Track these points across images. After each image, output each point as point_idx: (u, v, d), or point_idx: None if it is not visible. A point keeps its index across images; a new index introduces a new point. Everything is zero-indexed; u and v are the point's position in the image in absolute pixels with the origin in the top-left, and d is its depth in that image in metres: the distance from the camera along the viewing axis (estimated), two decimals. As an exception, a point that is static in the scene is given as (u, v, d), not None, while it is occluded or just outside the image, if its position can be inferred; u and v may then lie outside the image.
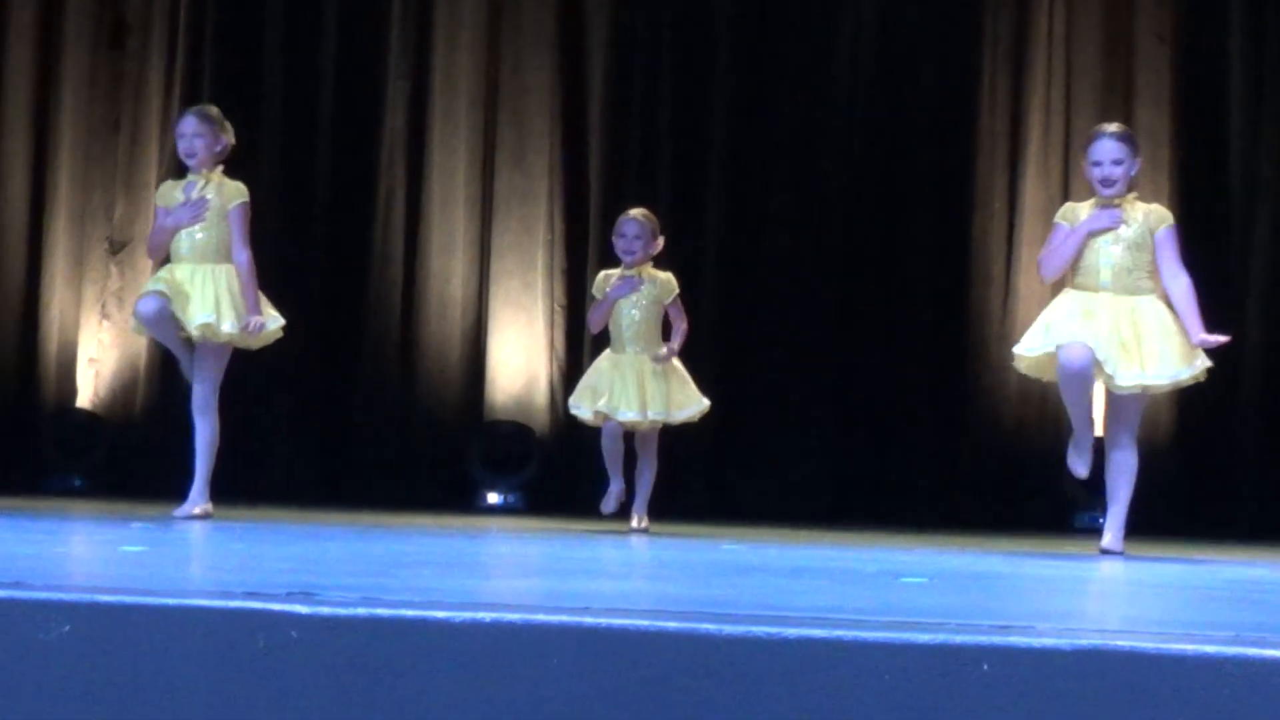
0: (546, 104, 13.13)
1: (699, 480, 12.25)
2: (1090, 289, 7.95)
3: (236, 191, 8.79)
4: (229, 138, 8.88)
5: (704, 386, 9.80)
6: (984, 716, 2.75)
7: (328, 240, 13.21)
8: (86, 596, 2.99)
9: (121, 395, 13.12)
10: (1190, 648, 2.79)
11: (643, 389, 9.40)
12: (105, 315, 13.34)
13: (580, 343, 11.79)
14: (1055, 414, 10.72)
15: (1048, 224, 9.15)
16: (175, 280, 8.56)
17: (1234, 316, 12.12)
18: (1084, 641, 2.81)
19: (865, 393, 12.54)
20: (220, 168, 8.85)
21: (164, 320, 8.47)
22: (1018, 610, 4.01)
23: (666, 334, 9.61)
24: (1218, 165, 12.45)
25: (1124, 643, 2.81)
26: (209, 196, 8.68)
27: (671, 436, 9.84)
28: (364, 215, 13.12)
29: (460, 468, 12.62)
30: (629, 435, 9.62)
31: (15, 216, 13.05)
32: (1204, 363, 7.97)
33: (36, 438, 12.67)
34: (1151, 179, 12.35)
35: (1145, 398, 8.16)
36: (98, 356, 13.35)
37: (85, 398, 13.21)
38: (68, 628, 2.94)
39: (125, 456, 12.38)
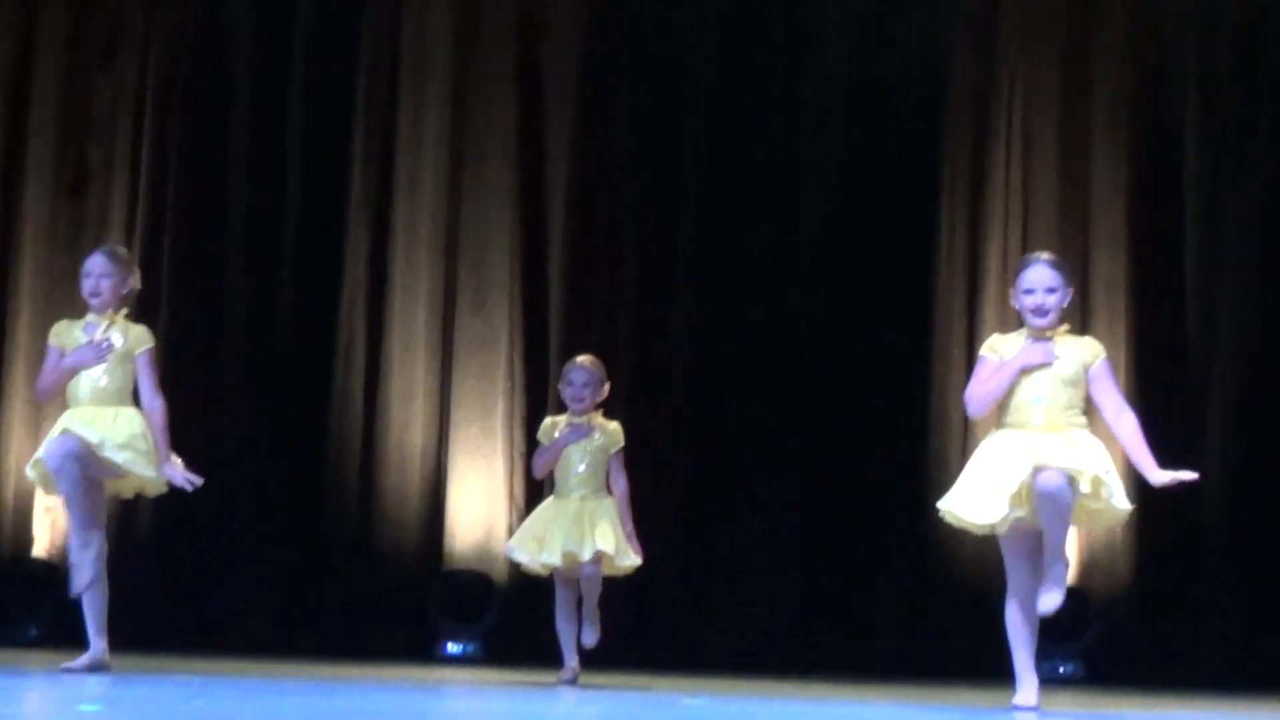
0: (506, 251, 13.14)
1: (662, 624, 12.17)
2: (1021, 426, 7.52)
3: (143, 336, 8.47)
4: (135, 281, 8.62)
5: (667, 526, 9.77)
6: None
7: (288, 387, 13.18)
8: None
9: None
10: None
11: (583, 529, 9.25)
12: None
13: (540, 491, 11.69)
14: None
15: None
16: (79, 422, 8.24)
17: (1193, 461, 12.14)
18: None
19: (828, 536, 12.44)
20: (124, 310, 8.54)
21: (79, 459, 8.11)
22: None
23: None
24: (1175, 314, 12.45)
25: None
26: (114, 339, 8.36)
27: (632, 582, 9.72)
28: (325, 362, 13.11)
29: (420, 616, 12.52)
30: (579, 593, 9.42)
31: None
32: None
33: (-9, 587, 12.56)
34: (1109, 327, 12.38)
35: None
36: (53, 505, 13.24)
37: (41, 546, 13.09)
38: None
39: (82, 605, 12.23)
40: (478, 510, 12.83)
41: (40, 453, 8.35)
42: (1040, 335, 7.60)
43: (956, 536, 11.91)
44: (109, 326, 8.40)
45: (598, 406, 9.53)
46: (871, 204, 12.89)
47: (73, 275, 13.17)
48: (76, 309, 12.99)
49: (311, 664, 9.84)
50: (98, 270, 8.47)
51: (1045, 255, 7.83)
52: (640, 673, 9.82)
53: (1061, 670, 11.60)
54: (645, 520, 9.62)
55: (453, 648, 12.30)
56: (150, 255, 13.26)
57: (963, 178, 12.80)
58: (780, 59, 13.00)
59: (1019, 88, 12.81)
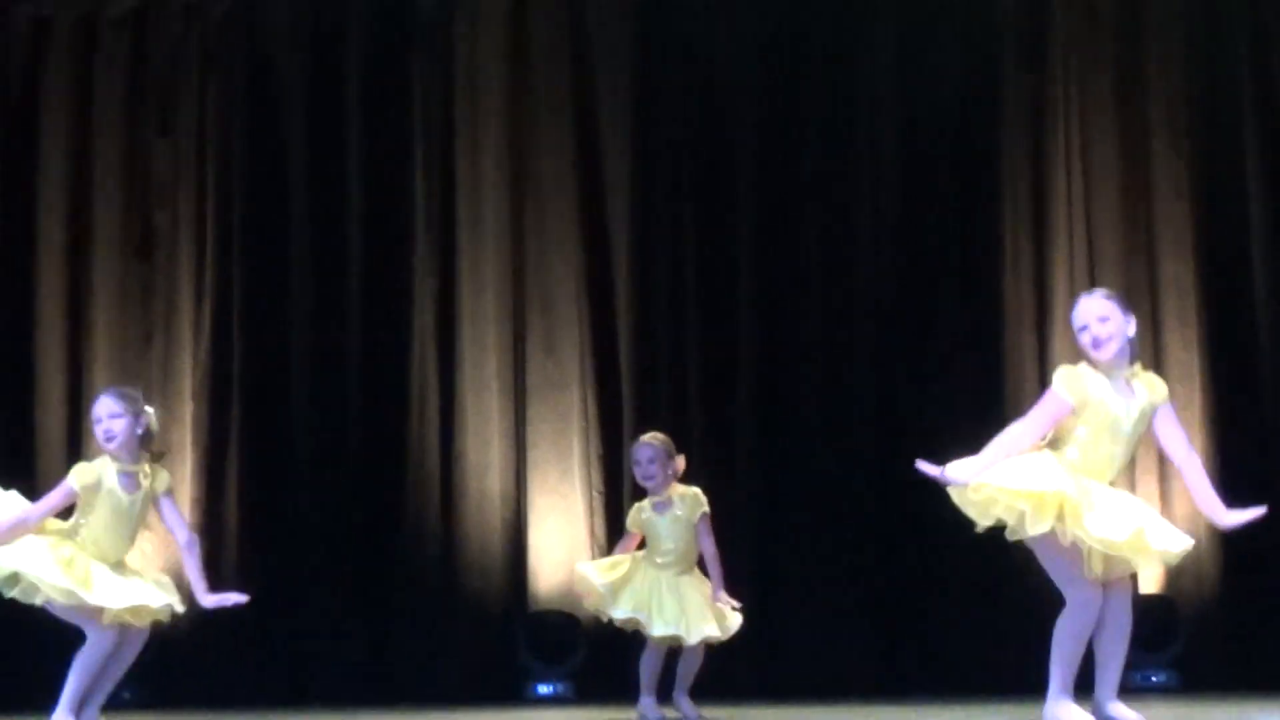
0: (572, 291, 13.09)
1: (740, 655, 12.07)
2: (1083, 473, 7.17)
3: (167, 478, 8.43)
4: (150, 421, 8.37)
5: (740, 559, 9.70)
6: None
7: (364, 440, 13.12)
8: None
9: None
10: None
11: (682, 602, 9.25)
12: (145, 525, 13.16)
13: (620, 527, 11.58)
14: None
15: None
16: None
17: (1270, 466, 11.99)
18: None
19: (905, 562, 12.35)
20: (145, 454, 8.32)
21: None
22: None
23: None
24: (1247, 316, 12.42)
25: None
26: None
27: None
28: (398, 413, 13.05)
29: (508, 659, 12.46)
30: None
31: (53, 430, 12.91)
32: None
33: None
34: (1180, 335, 12.26)
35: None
36: (139, 567, 13.16)
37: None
38: None
39: (172, 666, 12.12)
40: (560, 551, 12.74)
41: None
42: (1109, 372, 7.14)
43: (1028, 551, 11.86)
44: (144, 479, 8.30)
45: (674, 478, 9.43)
46: (932, 222, 12.82)
47: (142, 338, 13.25)
48: (144, 372, 13.05)
49: (403, 713, 9.73)
50: (106, 412, 8.23)
51: (1095, 290, 7.48)
52: (721, 704, 9.70)
53: (1154, 680, 11.47)
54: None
55: (543, 689, 12.24)
56: (221, 313, 13.25)
57: (1024, 193, 12.75)
58: (831, 81, 13.01)
59: (1074, 98, 12.79)
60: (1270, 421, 12.26)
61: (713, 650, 9.60)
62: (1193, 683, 11.43)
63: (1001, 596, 11.80)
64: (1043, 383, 11.82)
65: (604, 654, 11.96)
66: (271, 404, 13.18)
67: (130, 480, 8.20)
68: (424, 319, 13.13)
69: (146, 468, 8.27)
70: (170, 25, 13.60)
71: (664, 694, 9.66)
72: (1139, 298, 12.37)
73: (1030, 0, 12.83)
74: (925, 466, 7.37)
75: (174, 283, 13.37)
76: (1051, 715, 7.09)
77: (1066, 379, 7.16)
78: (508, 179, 13.21)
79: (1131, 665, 11.37)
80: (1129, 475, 11.01)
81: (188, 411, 13.20)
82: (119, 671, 8.38)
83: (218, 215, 13.42)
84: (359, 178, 13.30)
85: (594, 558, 12.37)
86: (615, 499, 12.44)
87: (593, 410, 12.95)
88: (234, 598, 8.38)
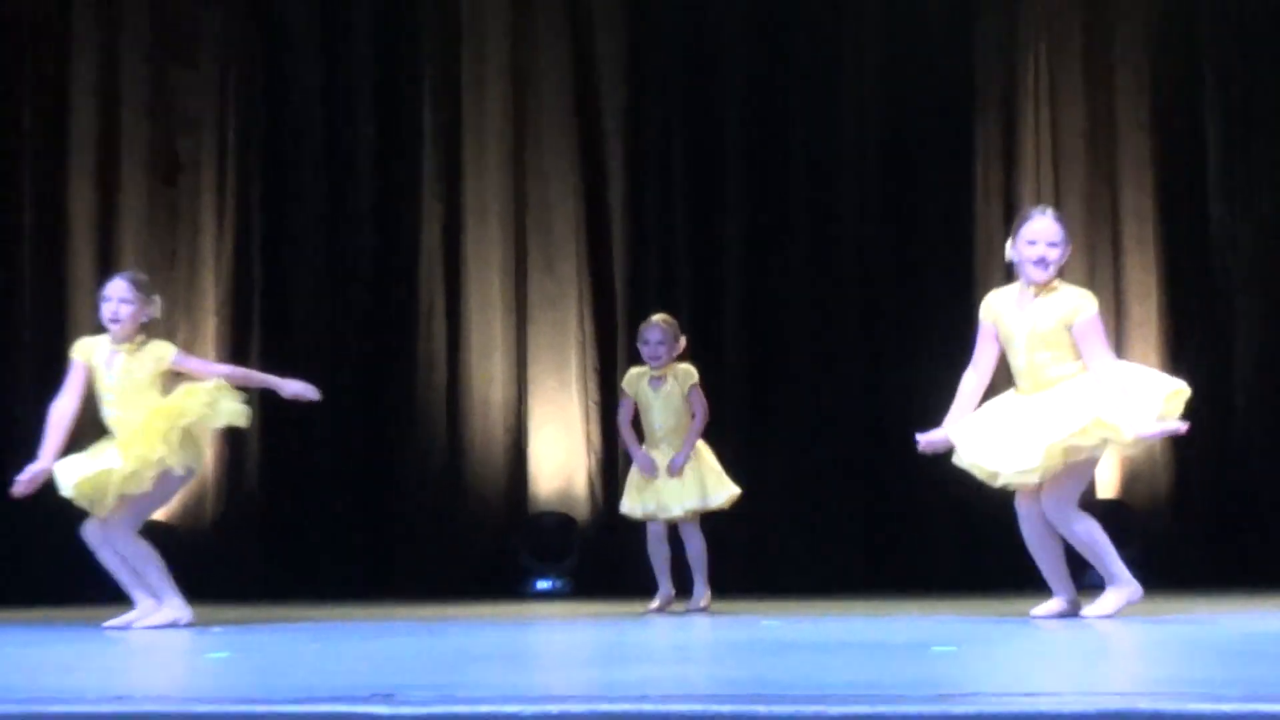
0: (571, 216, 13.21)
1: (737, 554, 12.22)
2: (1020, 391, 7.44)
3: (163, 348, 8.29)
4: (155, 309, 8.39)
5: (737, 464, 9.85)
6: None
7: (374, 352, 13.26)
8: (184, 707, 3.00)
9: (193, 508, 13.13)
10: (1208, 707, 2.79)
11: (680, 483, 9.44)
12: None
13: (615, 436, 11.74)
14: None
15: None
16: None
17: (1220, 377, 12.18)
18: (1109, 705, 2.82)
19: (888, 462, 12.27)
20: (140, 339, 8.24)
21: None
22: (1044, 677, 4.01)
23: None
24: (1200, 238, 12.51)
25: (1145, 705, 2.81)
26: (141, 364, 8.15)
27: (709, 517, 9.78)
28: (408, 327, 13.17)
29: (509, 557, 12.61)
30: (673, 530, 9.60)
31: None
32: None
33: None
34: (1140, 255, 12.40)
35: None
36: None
37: (160, 512, 13.21)
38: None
39: (199, 563, 12.33)
40: (558, 457, 12.95)
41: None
42: (1034, 293, 7.32)
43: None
44: (129, 357, 8.19)
45: (676, 359, 9.65)
46: (912, 151, 12.86)
47: (167, 257, 13.42)
48: (170, 289, 13.21)
49: (409, 606, 9.88)
50: (117, 295, 8.23)
51: (1049, 209, 7.58)
52: (717, 597, 9.89)
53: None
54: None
55: (542, 584, 12.39)
56: (242, 238, 13.38)
57: (995, 125, 12.82)
58: (819, 20, 12.99)
59: (1043, 38, 12.80)
60: (1224, 334, 12.41)
61: (715, 544, 9.77)
62: (1146, 580, 11.55)
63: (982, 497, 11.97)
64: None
65: (598, 553, 12.21)
66: (287, 319, 13.29)
67: (116, 354, 8.18)
68: (431, 241, 13.25)
69: (137, 348, 8.21)
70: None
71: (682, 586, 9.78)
72: (1101, 223, 12.53)
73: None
74: (926, 441, 7.57)
75: (197, 206, 13.49)
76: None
77: (983, 306, 7.55)
78: (510, 111, 13.28)
79: (1086, 564, 11.74)
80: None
81: (210, 326, 13.32)
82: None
83: (239, 144, 13.52)
84: (370, 110, 13.38)
85: (589, 464, 12.64)
86: (610, 408, 12.41)
87: (589, 326, 13.07)
88: (310, 392, 8.39)
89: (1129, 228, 12.51)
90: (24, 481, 8.12)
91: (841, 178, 12.83)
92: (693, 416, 9.56)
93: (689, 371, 9.61)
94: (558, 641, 6.00)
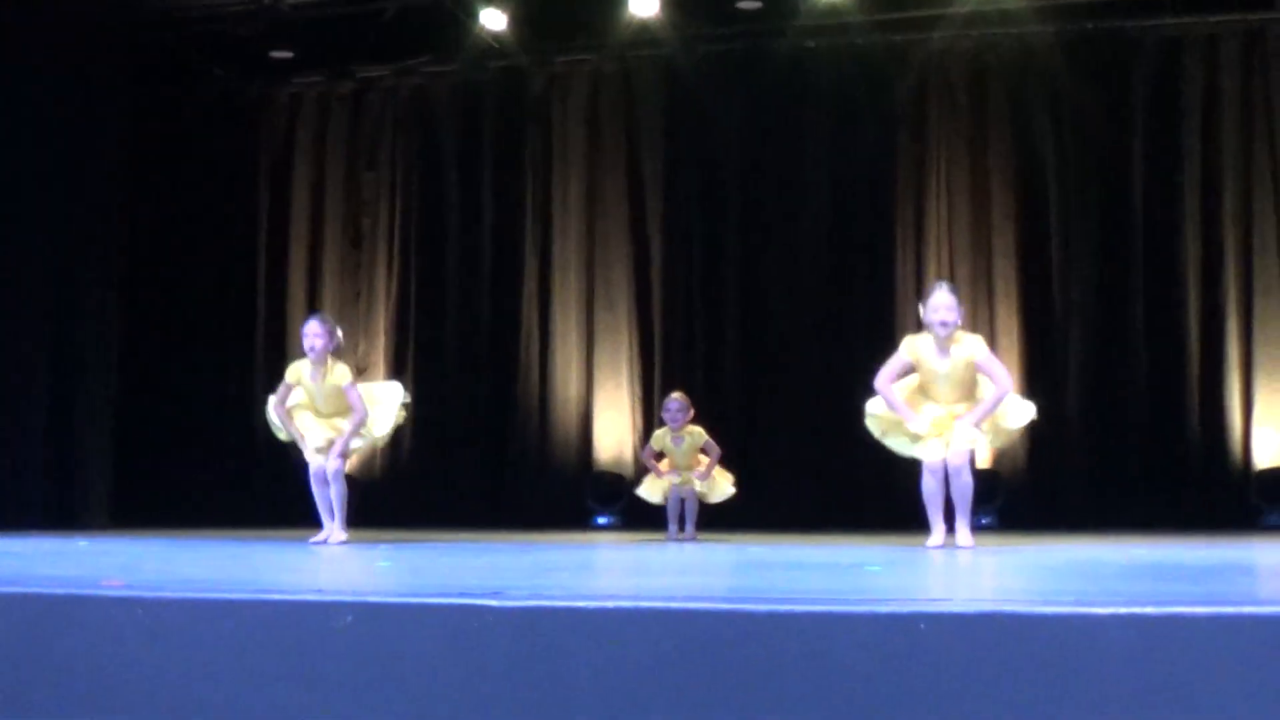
0: (625, 273, 13.10)
1: (730, 503, 12.20)
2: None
3: (345, 372, 8.08)
4: (340, 338, 8.15)
5: (733, 436, 9.82)
6: (922, 658, 2.73)
7: (492, 363, 13.24)
8: (361, 597, 2.98)
9: (367, 463, 13.14)
10: (1048, 609, 2.76)
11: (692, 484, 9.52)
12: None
13: (650, 422, 11.74)
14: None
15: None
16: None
17: (1058, 381, 12.13)
18: (983, 608, 2.79)
19: (840, 429, 12.14)
20: (330, 359, 8.02)
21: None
22: (940, 586, 3.98)
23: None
24: (1044, 286, 12.36)
25: (1007, 608, 2.78)
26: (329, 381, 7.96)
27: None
28: (513, 346, 13.16)
29: (579, 499, 12.59)
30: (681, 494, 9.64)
31: (297, 353, 12.96)
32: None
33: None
34: (1005, 302, 12.35)
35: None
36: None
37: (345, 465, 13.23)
38: (350, 618, 2.94)
39: (371, 503, 12.34)
40: (613, 433, 12.86)
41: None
42: (944, 343, 7.09)
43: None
44: (324, 374, 7.99)
45: (690, 421, 9.56)
46: (852, 235, 12.81)
47: (353, 296, 13.47)
48: (354, 318, 13.27)
49: (506, 533, 9.88)
50: (313, 333, 7.97)
51: (944, 284, 7.32)
52: (719, 531, 9.85)
53: (983, 522, 11.56)
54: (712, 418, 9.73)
55: (601, 520, 12.36)
56: (404, 284, 13.43)
57: (909, 215, 12.66)
58: (784, 150, 12.81)
59: (942, 155, 12.65)
60: (1061, 357, 12.20)
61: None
62: (1008, 525, 11.53)
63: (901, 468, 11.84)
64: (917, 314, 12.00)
65: (641, 501, 12.12)
66: (435, 339, 13.33)
67: (317, 373, 8.02)
68: (530, 286, 13.20)
69: (326, 368, 8.02)
70: (374, 100, 13.78)
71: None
72: (980, 281, 12.44)
73: (916, 92, 12.68)
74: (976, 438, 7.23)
75: (374, 263, 13.58)
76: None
77: (906, 345, 7.27)
78: (584, 200, 13.25)
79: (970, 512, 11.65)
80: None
81: (381, 341, 13.41)
82: (331, 491, 8.10)
83: (403, 222, 13.61)
84: (491, 198, 13.40)
85: (634, 440, 12.59)
86: (648, 401, 12.51)
87: (635, 345, 12.99)
88: (336, 468, 8.09)
89: (999, 285, 12.40)
90: (338, 456, 8.06)
91: (802, 249, 12.72)
92: (709, 452, 9.57)
93: (701, 433, 9.56)
94: (612, 559, 5.96)
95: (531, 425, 13.06)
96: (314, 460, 8.08)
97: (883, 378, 7.30)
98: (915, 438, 7.24)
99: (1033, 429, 11.64)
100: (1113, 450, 11.95)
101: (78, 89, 11.42)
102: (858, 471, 12.20)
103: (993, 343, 12.09)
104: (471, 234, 13.39)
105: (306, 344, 8.02)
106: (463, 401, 13.10)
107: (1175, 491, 11.62)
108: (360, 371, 13.28)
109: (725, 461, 9.72)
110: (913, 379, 7.37)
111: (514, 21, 12.41)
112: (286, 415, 8.17)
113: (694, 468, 9.57)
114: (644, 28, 12.41)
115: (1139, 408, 11.97)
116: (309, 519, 8.53)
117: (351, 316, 13.41)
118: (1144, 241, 12.11)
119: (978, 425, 7.15)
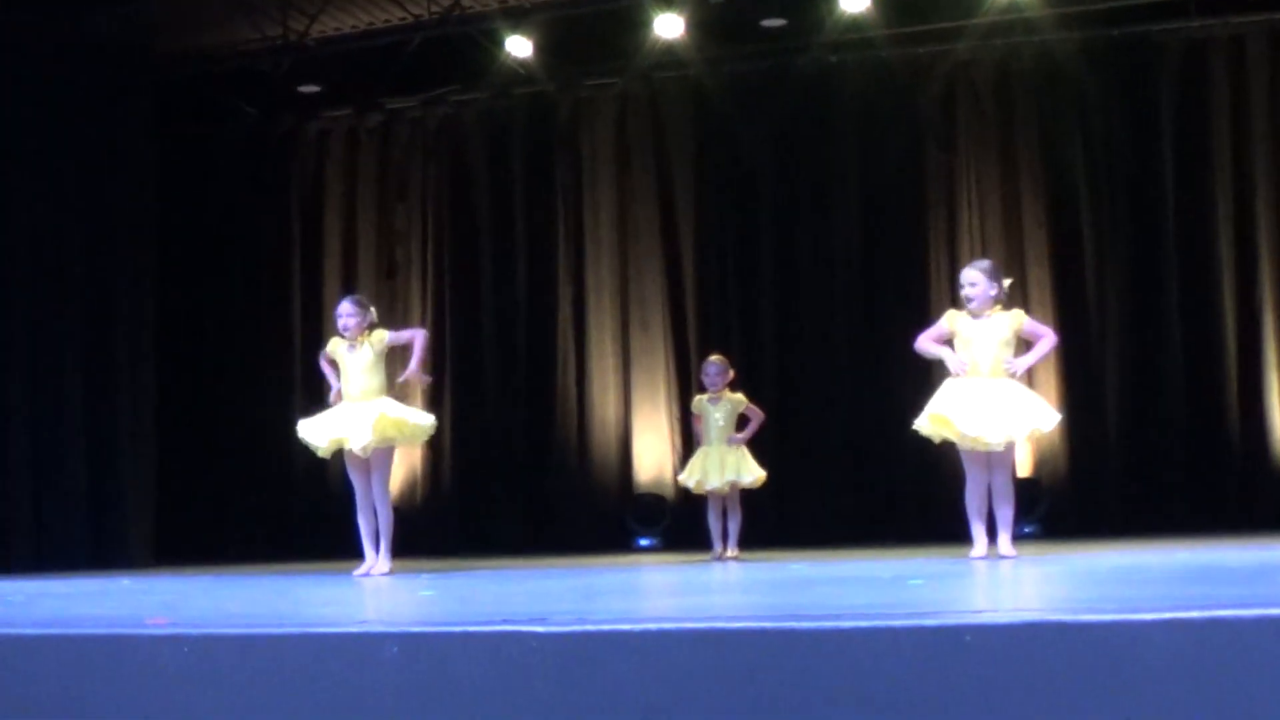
0: (659, 295, 13.16)
1: (768, 517, 12.16)
2: (975, 374, 7.13)
3: (382, 333, 8.09)
4: (373, 315, 8.14)
5: (768, 450, 9.77)
6: (968, 670, 2.71)
7: (529, 387, 13.28)
8: (405, 628, 2.98)
9: (408, 492, 13.18)
10: (1092, 617, 2.74)
11: (722, 464, 9.35)
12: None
13: (690, 442, 11.69)
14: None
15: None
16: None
17: (1095, 386, 12.07)
18: (1028, 618, 2.77)
19: (878, 445, 12.10)
20: (366, 331, 8.05)
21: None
22: (985, 598, 3.95)
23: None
24: (1079, 292, 12.30)
25: (1052, 617, 2.76)
26: (368, 349, 7.97)
27: (750, 492, 9.68)
28: (551, 369, 13.19)
29: (619, 522, 12.57)
30: (723, 505, 9.48)
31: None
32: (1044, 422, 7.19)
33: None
34: (1040, 311, 12.26)
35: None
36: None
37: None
38: (395, 649, 2.93)
39: (413, 533, 12.35)
40: (652, 455, 12.89)
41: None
42: (976, 313, 7.22)
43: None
44: (361, 344, 8.00)
45: (729, 386, 9.54)
46: (884, 242, 12.79)
47: (388, 327, 13.45)
48: (395, 357, 13.31)
49: (548, 558, 9.87)
50: (346, 313, 8.06)
51: (976, 262, 7.52)
52: (758, 549, 9.82)
53: (1026, 531, 11.52)
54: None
55: (643, 542, 12.32)
56: (438, 313, 13.49)
57: (942, 224, 12.64)
58: (814, 166, 12.83)
59: (971, 165, 12.63)
60: (1096, 356, 12.14)
61: (754, 512, 9.70)
62: (1051, 534, 11.48)
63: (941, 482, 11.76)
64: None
65: (682, 522, 12.10)
66: (472, 367, 13.39)
67: (353, 346, 8.03)
68: (565, 312, 13.26)
69: (365, 336, 8.05)
70: (402, 131, 13.84)
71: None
72: (1015, 289, 11.92)
73: (942, 104, 12.68)
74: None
75: (408, 294, 13.65)
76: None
77: (945, 318, 7.37)
78: (617, 223, 13.30)
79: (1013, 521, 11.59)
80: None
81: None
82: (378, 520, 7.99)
83: (435, 252, 13.68)
84: (523, 226, 13.46)
85: (673, 462, 12.57)
86: (686, 421, 12.30)
87: (672, 367, 13.00)
88: (425, 378, 8.32)
89: (1033, 291, 12.34)
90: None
91: (835, 264, 12.73)
92: (753, 416, 9.46)
93: (741, 399, 9.51)
94: (654, 580, 5.96)
95: (571, 450, 13.06)
96: (356, 449, 7.89)
97: (921, 338, 7.46)
98: (961, 434, 7.13)
99: (1073, 436, 11.73)
100: (1153, 455, 11.88)
101: (106, 129, 11.53)
102: (896, 488, 12.21)
103: (1027, 345, 12.10)
104: (504, 261, 13.42)
105: (340, 324, 8.07)
106: (501, 428, 13.13)
107: (1217, 494, 11.56)
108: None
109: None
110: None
111: (539, 48, 12.47)
112: (329, 368, 8.19)
113: (729, 439, 9.39)
114: (669, 49, 12.45)
115: (1178, 412, 11.90)
116: (349, 550, 8.54)
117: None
118: (1177, 244, 12.05)
119: (1027, 371, 7.26)
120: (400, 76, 13.03)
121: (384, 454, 8.00)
